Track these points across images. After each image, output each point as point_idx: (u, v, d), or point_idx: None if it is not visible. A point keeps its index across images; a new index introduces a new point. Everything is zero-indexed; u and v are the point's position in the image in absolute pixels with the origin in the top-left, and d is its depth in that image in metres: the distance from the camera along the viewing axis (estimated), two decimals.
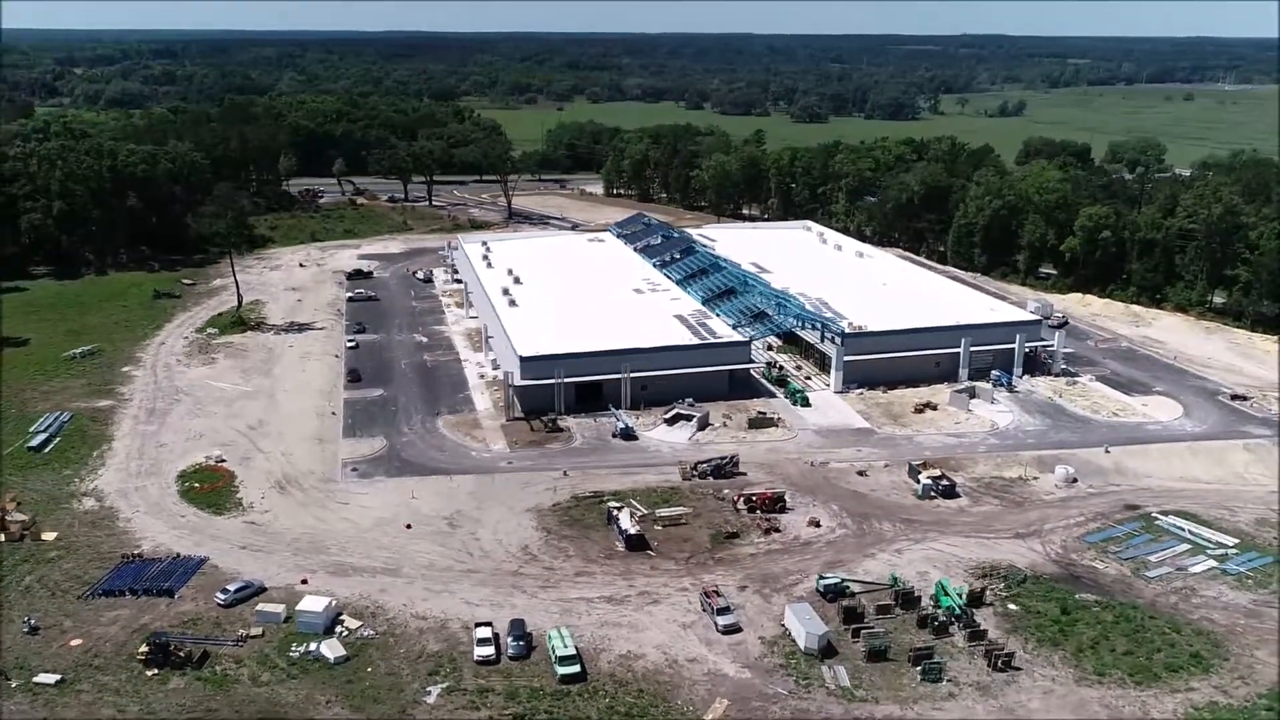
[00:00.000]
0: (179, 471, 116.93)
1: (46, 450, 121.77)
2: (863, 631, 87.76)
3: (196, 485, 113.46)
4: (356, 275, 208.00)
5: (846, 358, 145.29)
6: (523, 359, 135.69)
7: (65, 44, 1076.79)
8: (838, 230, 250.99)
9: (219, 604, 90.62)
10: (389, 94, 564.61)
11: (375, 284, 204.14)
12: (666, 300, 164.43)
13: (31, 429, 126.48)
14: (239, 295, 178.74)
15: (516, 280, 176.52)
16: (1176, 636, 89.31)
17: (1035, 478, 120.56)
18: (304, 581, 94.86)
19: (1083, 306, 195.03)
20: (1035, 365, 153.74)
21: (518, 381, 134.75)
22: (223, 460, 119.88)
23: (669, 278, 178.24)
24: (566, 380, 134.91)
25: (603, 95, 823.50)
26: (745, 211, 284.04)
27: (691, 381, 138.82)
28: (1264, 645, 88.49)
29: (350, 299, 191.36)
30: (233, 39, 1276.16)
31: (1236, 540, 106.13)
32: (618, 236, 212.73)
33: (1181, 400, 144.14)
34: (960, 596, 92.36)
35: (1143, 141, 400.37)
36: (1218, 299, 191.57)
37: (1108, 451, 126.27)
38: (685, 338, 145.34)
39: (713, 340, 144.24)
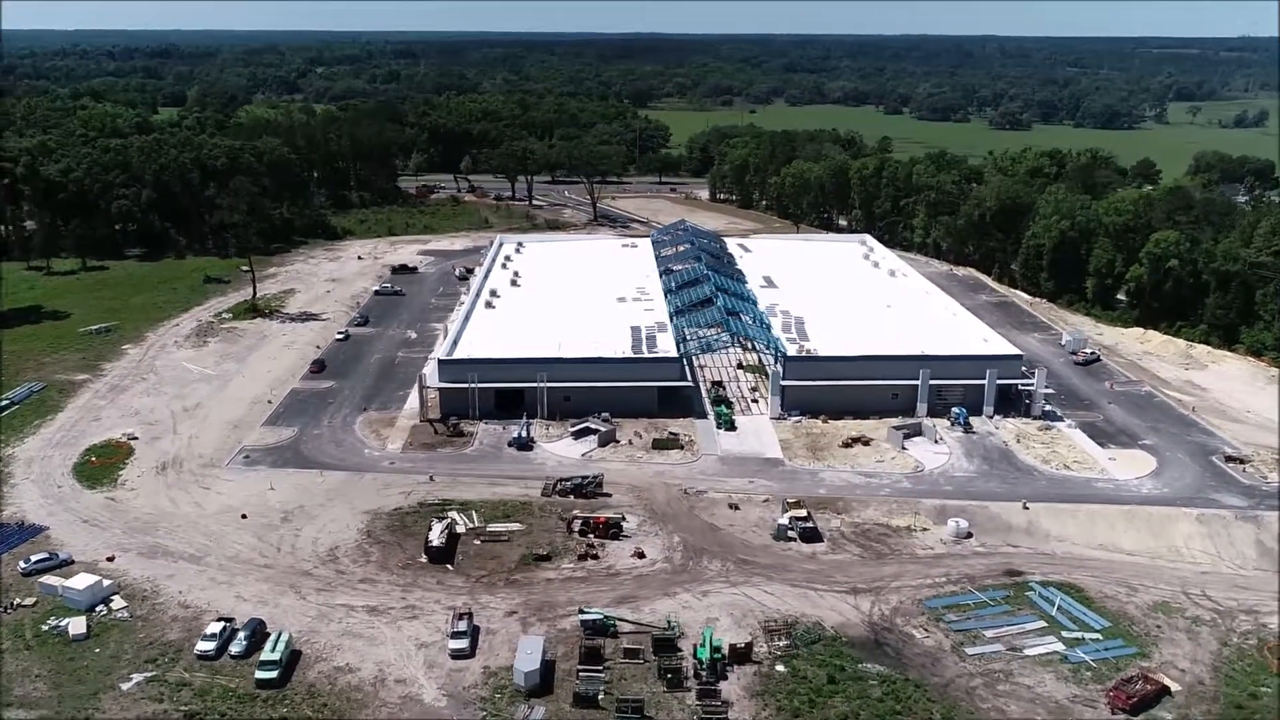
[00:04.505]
0: (88, 445, 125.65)
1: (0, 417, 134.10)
2: (581, 674, 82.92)
3: (93, 459, 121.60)
4: (401, 270, 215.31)
5: (786, 382, 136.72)
6: (440, 361, 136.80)
7: (320, 44, 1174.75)
8: (915, 246, 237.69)
9: (19, 572, 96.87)
10: (587, 95, 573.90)
11: (414, 279, 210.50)
12: (639, 311, 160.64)
13: (1, 396, 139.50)
14: (254, 284, 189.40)
15: (514, 282, 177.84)
16: None
17: (925, 529, 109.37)
18: (110, 559, 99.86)
19: (1139, 342, 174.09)
20: (1015, 404, 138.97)
21: (433, 383, 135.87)
22: (134, 438, 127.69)
23: (665, 286, 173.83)
24: (483, 385, 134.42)
25: (802, 99, 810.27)
26: (839, 222, 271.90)
27: (618, 395, 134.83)
28: None
29: (376, 292, 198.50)
30: (470, 40, 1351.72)
31: (1108, 624, 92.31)
32: (653, 243, 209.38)
33: (1163, 457, 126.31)
34: (718, 650, 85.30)
35: None
36: None
37: (1026, 508, 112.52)
38: (619, 350, 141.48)
39: (639, 355, 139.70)
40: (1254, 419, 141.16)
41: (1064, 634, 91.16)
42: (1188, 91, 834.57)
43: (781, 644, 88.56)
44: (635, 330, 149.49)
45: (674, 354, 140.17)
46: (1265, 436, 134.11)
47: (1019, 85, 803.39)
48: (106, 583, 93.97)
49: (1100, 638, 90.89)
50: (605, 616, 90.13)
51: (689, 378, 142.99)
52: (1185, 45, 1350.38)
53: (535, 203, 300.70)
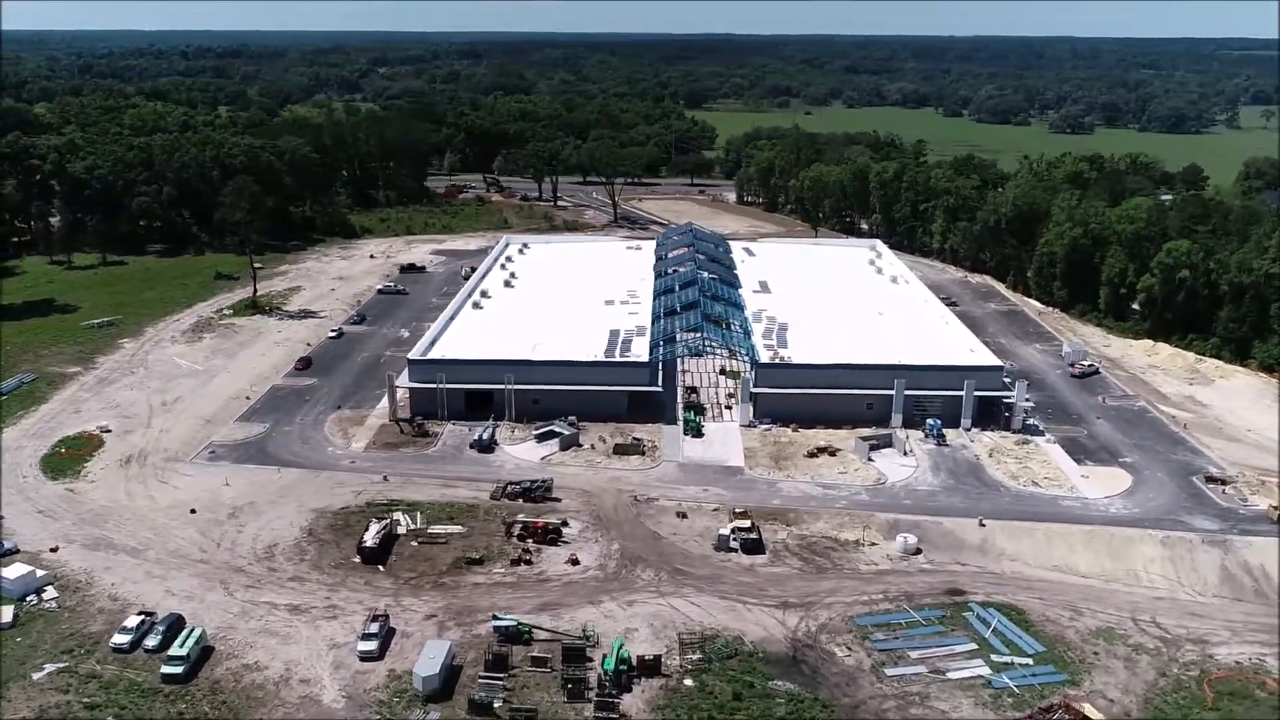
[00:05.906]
0: (61, 437, 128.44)
1: None
2: (481, 680, 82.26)
3: (62, 451, 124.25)
4: (409, 269, 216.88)
5: (757, 389, 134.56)
6: (410, 361, 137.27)
7: (386, 44, 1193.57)
8: (934, 252, 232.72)
9: None
10: (640, 96, 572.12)
11: (421, 278, 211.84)
12: (624, 314, 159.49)
13: None
14: (254, 281, 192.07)
15: (507, 284, 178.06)
16: None
17: (873, 544, 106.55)
18: (54, 550, 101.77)
19: (1146, 355, 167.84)
20: (995, 417, 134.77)
21: (402, 383, 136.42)
22: (107, 430, 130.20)
23: (659, 289, 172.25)
24: (452, 386, 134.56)
25: (860, 100, 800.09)
26: (861, 226, 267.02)
27: (587, 399, 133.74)
28: None
29: (380, 291, 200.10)
30: (535, 40, 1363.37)
31: (1043, 649, 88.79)
32: (658, 245, 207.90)
33: (1140, 475, 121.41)
34: (625, 662, 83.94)
35: None
36: None
37: (982, 524, 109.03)
38: (594, 354, 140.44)
39: (609, 359, 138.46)
40: (1253, 438, 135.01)
41: (993, 657, 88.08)
42: (1265, 95, 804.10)
43: (694, 658, 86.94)
44: (614, 334, 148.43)
45: (644, 358, 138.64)
46: (1260, 457, 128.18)
47: (1085, 88, 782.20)
48: (40, 573, 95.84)
49: (1030, 663, 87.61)
50: (519, 623, 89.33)
51: (661, 383, 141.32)
52: (1268, 47, 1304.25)
53: (560, 203, 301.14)
